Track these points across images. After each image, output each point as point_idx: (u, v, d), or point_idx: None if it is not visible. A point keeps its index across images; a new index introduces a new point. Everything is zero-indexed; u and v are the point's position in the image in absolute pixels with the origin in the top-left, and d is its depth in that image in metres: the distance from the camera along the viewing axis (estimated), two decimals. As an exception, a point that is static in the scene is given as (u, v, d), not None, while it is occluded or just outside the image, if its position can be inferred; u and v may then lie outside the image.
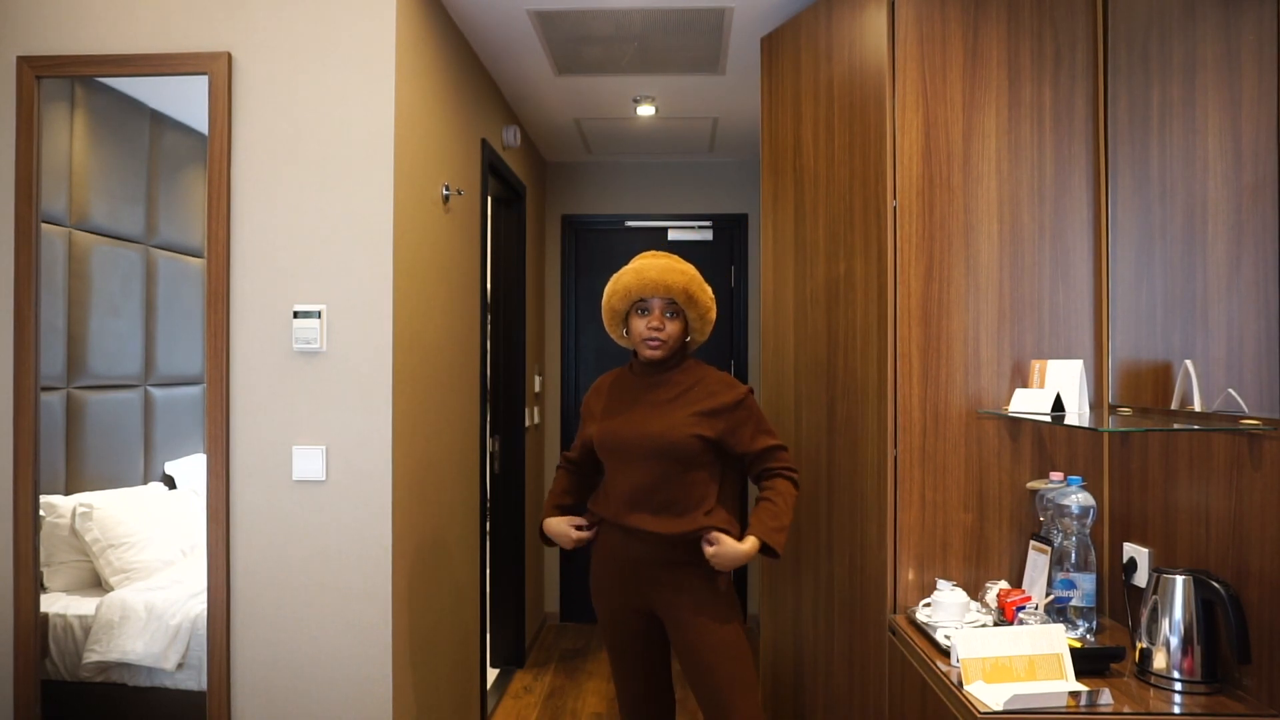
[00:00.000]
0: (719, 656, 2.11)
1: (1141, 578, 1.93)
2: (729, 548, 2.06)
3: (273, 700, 2.30)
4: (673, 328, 2.17)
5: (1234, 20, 1.67)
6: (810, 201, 2.55)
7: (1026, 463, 2.18)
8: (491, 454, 3.94)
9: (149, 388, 2.49)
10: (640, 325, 2.18)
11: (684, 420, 2.12)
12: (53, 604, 2.36)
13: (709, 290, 2.21)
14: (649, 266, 2.16)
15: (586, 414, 2.33)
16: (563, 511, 2.33)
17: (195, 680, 2.31)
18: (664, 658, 2.29)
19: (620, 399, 2.25)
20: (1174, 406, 1.82)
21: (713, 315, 2.22)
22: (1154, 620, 1.68)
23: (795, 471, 2.18)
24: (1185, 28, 1.82)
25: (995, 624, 1.94)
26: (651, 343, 2.17)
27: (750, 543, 2.07)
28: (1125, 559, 2.00)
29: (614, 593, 2.23)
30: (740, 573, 4.83)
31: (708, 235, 4.86)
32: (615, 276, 2.21)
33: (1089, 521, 1.96)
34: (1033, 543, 2.06)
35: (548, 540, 2.31)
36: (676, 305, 2.17)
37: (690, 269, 2.21)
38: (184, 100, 2.39)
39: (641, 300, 2.17)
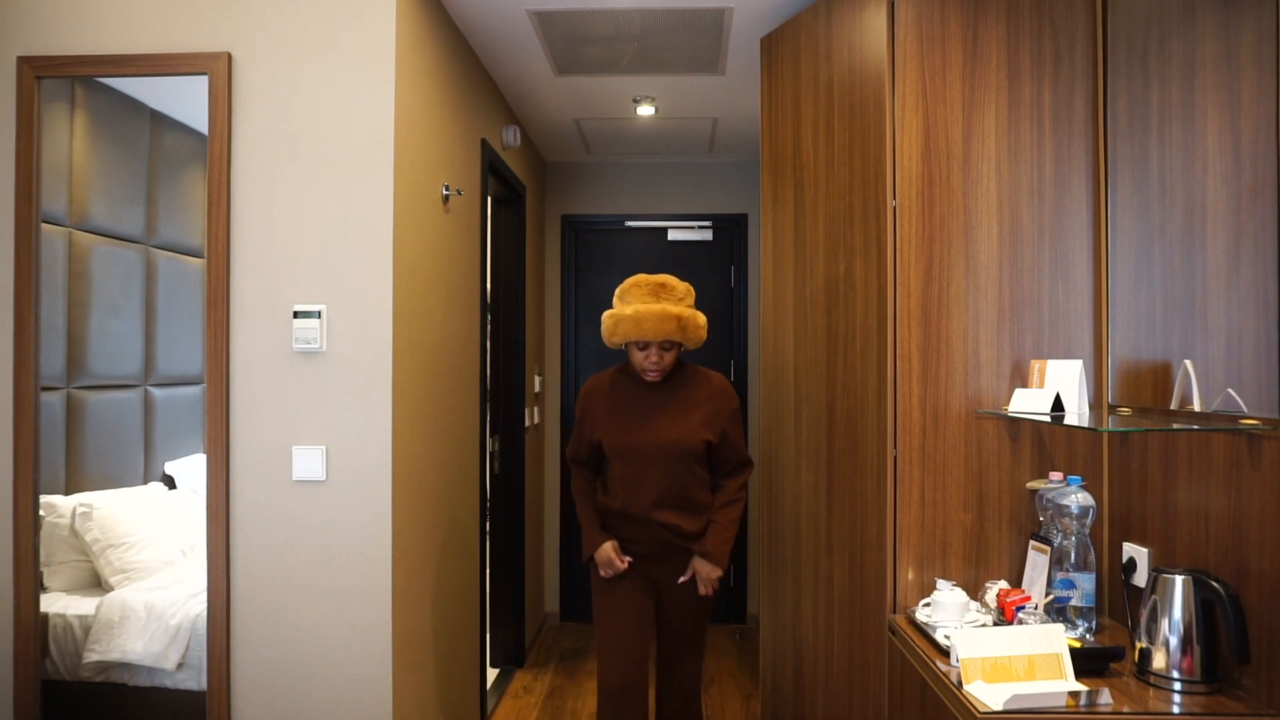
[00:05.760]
0: (689, 618, 2.59)
1: (1141, 577, 1.93)
2: (710, 576, 2.53)
3: (273, 700, 2.30)
4: (669, 357, 2.49)
5: (1233, 20, 1.67)
6: (810, 201, 2.55)
7: (1026, 463, 2.18)
8: (491, 454, 3.95)
9: (149, 388, 2.49)
10: (639, 357, 2.48)
11: (694, 427, 2.48)
12: (53, 604, 2.36)
13: (701, 316, 2.50)
14: (647, 315, 2.41)
15: (587, 416, 2.59)
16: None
17: (195, 680, 2.31)
18: (652, 605, 2.62)
19: (626, 405, 2.52)
20: (1173, 406, 1.82)
21: (704, 332, 2.51)
22: (1153, 620, 1.68)
23: (745, 489, 2.59)
24: (1184, 28, 1.82)
25: (995, 624, 1.94)
26: (651, 373, 2.48)
27: (718, 571, 2.52)
28: (1125, 559, 2.00)
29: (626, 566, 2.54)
30: (740, 573, 4.85)
31: (708, 235, 4.86)
32: (616, 316, 2.46)
33: (1088, 521, 1.96)
34: (1032, 542, 2.06)
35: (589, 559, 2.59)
36: (672, 339, 2.45)
37: (681, 306, 2.46)
38: (184, 100, 2.39)
39: (640, 340, 2.45)
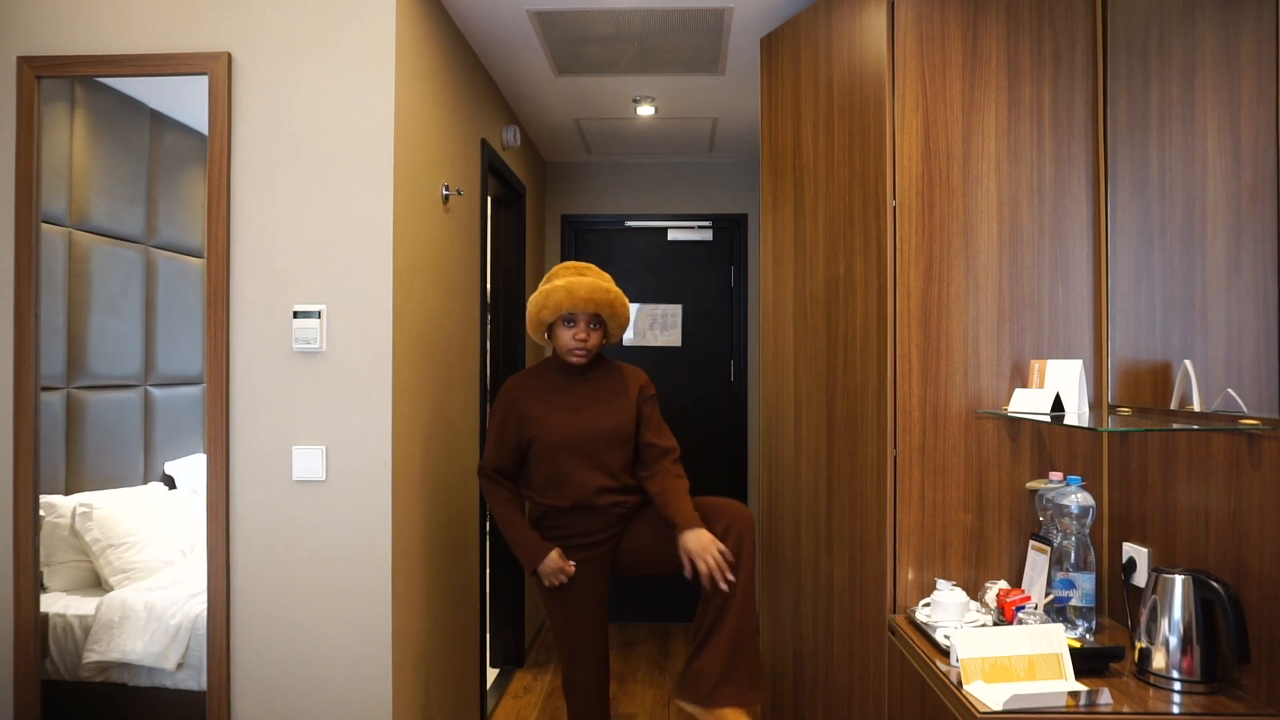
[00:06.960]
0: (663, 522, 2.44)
1: (1141, 577, 1.93)
2: (710, 548, 2.34)
3: (273, 700, 2.30)
4: (595, 337, 2.49)
5: (1233, 20, 1.67)
6: (810, 201, 2.55)
7: (1026, 463, 2.18)
8: (491, 454, 3.94)
9: (149, 388, 2.49)
10: (566, 336, 2.47)
11: (627, 407, 2.53)
12: (53, 604, 2.36)
13: (627, 301, 2.55)
14: (579, 285, 2.42)
15: (512, 418, 2.50)
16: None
17: (195, 680, 2.31)
18: (606, 609, 2.58)
19: (559, 399, 2.51)
20: (1173, 406, 1.82)
21: (628, 321, 2.56)
22: (1153, 620, 1.68)
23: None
24: (1184, 28, 1.82)
25: (995, 624, 1.94)
26: (578, 352, 2.48)
27: (708, 535, 2.36)
28: (1124, 559, 2.00)
29: (581, 560, 2.48)
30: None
31: (708, 235, 4.86)
32: (546, 291, 2.46)
33: (1088, 521, 1.97)
34: (1032, 542, 2.06)
35: (532, 572, 2.48)
36: (600, 318, 2.48)
37: (610, 284, 2.51)
38: (184, 100, 2.39)
39: (570, 314, 2.45)
